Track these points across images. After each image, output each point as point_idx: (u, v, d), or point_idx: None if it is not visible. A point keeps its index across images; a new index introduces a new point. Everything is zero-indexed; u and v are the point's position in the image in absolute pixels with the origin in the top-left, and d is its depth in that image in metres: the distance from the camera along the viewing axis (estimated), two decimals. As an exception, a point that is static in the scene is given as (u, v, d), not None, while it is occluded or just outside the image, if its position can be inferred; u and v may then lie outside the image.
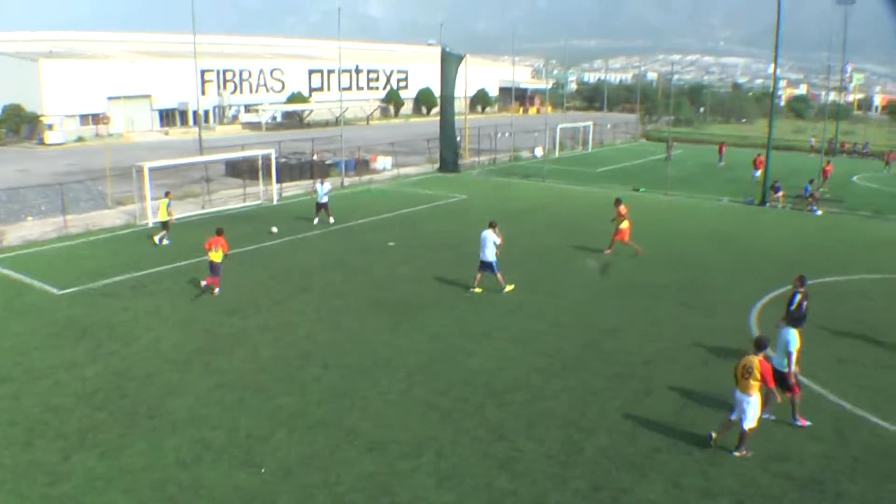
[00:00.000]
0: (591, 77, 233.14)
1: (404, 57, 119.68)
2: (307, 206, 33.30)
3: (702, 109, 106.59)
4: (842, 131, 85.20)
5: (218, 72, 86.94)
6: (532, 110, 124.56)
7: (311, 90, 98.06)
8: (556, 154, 59.76)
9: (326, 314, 18.94)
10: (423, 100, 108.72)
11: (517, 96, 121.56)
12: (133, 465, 11.69)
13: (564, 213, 34.56)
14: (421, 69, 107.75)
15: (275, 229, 28.14)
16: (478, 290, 21.08)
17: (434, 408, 13.73)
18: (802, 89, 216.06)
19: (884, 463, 12.29)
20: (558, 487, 11.25)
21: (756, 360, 12.30)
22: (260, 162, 36.42)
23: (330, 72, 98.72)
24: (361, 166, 45.96)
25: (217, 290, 20.64)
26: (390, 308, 19.52)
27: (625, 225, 26.05)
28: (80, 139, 69.37)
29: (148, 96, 78.98)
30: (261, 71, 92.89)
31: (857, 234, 32.62)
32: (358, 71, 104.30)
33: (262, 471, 11.50)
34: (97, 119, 70.70)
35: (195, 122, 69.29)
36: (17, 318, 18.47)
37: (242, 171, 38.97)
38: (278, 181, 36.76)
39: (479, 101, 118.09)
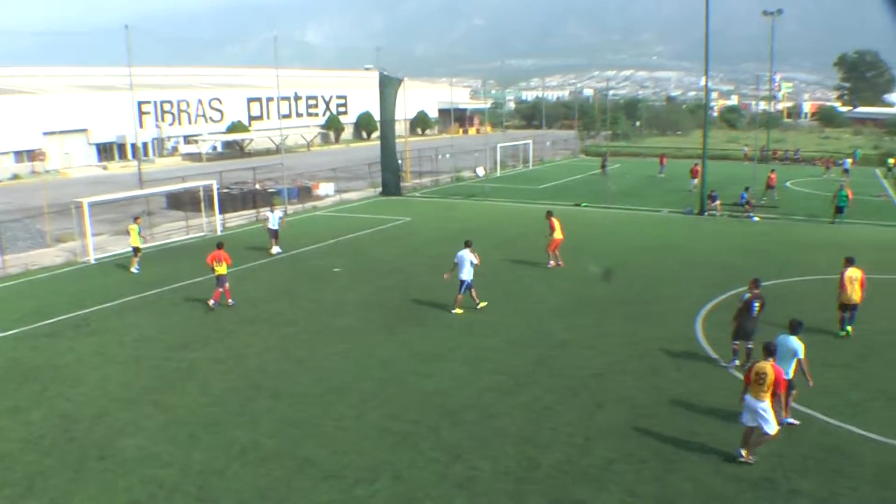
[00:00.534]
0: (528, 95, 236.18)
1: (343, 82, 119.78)
2: (252, 236, 33.09)
3: (638, 123, 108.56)
4: (773, 139, 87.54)
5: (156, 103, 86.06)
6: (472, 130, 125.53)
7: (251, 119, 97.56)
8: (498, 173, 60.30)
9: (275, 343, 18.80)
10: (364, 124, 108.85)
11: (457, 117, 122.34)
12: (84, 508, 11.45)
13: (509, 230, 34.85)
14: (360, 94, 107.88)
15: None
16: (459, 311, 21.19)
17: (389, 432, 13.70)
18: (734, 100, 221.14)
19: (833, 459, 12.62)
20: (517, 504, 11.30)
21: (769, 367, 12.32)
22: (201, 193, 36.07)
23: (269, 100, 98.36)
24: (304, 193, 45.80)
25: (230, 301, 22.05)
26: (339, 334, 19.44)
27: (558, 235, 26.52)
28: (15, 177, 67.80)
29: (84, 130, 77.68)
30: (199, 101, 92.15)
31: (792, 238, 33.54)
32: (297, 98, 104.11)
33: None
34: (32, 155, 69.42)
35: (134, 156, 68.33)
36: (-44, 364, 17.98)
37: (184, 203, 38.55)
38: (221, 212, 36.42)
39: (420, 123, 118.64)
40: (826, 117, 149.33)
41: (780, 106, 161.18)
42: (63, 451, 13.26)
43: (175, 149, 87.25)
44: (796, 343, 13.58)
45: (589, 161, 71.78)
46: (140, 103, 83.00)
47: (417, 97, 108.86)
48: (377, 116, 53.75)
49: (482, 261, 25.90)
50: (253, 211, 40.33)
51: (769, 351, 12.65)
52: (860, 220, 37.92)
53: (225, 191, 41.11)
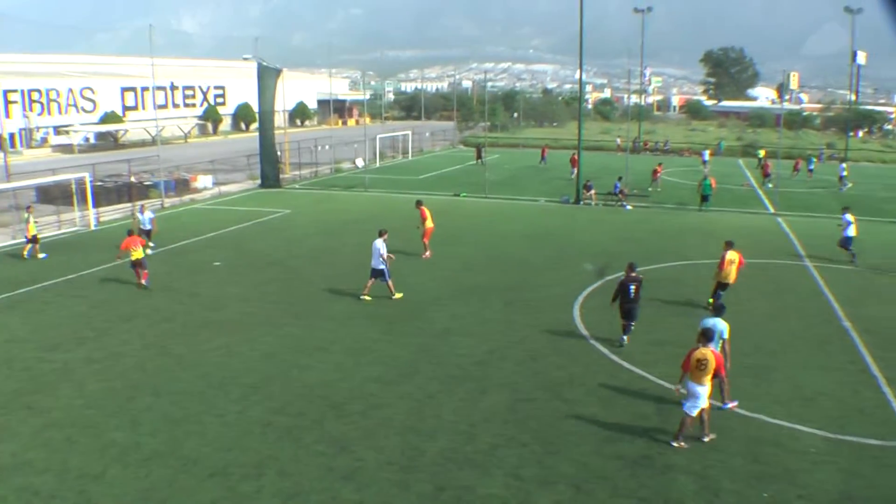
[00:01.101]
0: (408, 87, 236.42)
1: (221, 73, 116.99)
2: (127, 230, 32.08)
3: (516, 115, 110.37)
4: (644, 131, 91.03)
5: (23, 92, 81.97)
6: (351, 122, 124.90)
7: (126, 109, 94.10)
8: (378, 164, 60.35)
9: (154, 340, 18.34)
10: (242, 115, 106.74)
11: (336, 108, 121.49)
12: (-48, 519, 10.97)
13: (389, 221, 34.78)
14: (238, 84, 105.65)
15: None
16: (367, 297, 21.41)
17: (272, 426, 13.63)
18: (607, 93, 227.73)
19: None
20: (403, 492, 11.45)
21: (709, 353, 12.76)
22: (74, 186, 34.65)
23: (144, 90, 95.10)
24: (182, 186, 44.58)
25: (145, 282, 22.96)
26: (220, 329, 19.14)
27: (429, 224, 26.91)
28: None
29: (-58, 119, 73.34)
30: (70, 90, 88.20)
31: (664, 226, 35.02)
32: (174, 88, 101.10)
33: None
34: None
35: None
36: None
37: (55, 196, 36.84)
38: (95, 206, 35.09)
39: (299, 114, 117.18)
40: (693, 110, 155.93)
41: (651, 99, 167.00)
42: (-73, 459, 12.62)
43: (45, 140, 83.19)
44: (722, 324, 14.32)
45: (468, 152, 72.62)
46: (6, 92, 78.96)
47: (296, 88, 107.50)
48: (256, 107, 52.82)
49: (361, 250, 26.01)
50: (128, 204, 38.97)
51: (707, 337, 13.23)
52: (726, 208, 40.00)
53: (99, 184, 39.61)
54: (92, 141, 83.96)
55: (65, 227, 33.52)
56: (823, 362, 16.95)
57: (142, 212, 29.19)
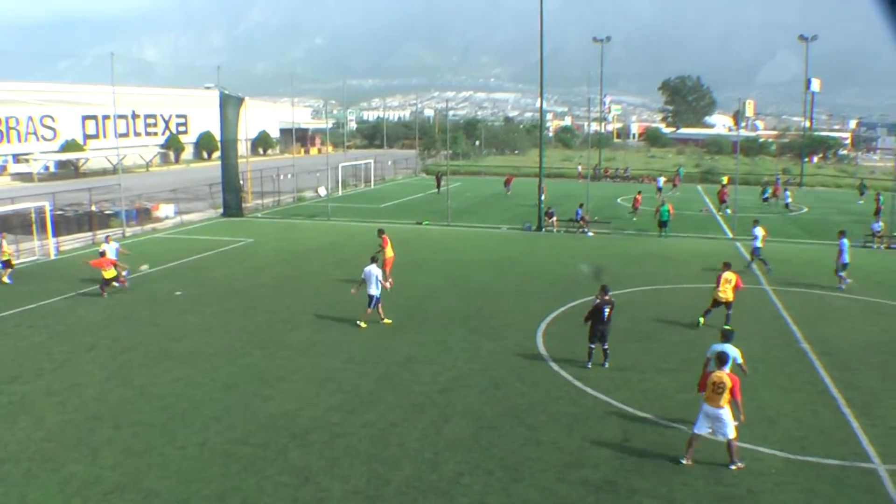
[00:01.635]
0: (370, 116, 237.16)
1: (183, 101, 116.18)
2: (89, 259, 31.66)
3: (477, 143, 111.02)
4: (605, 158, 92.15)
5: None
6: (314, 150, 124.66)
7: (87, 137, 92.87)
8: (340, 192, 60.34)
9: (115, 371, 18.09)
10: (205, 144, 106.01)
11: (298, 137, 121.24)
12: None
13: (351, 249, 34.92)
14: (200, 113, 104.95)
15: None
16: (363, 325, 21.68)
17: (235, 457, 13.49)
18: (568, 121, 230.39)
19: (668, 458, 13.45)
20: (367, 522, 11.42)
21: (725, 376, 13.06)
22: (33, 215, 34.19)
23: (105, 118, 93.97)
24: (143, 215, 44.17)
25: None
26: (181, 359, 18.93)
27: (389, 254, 26.95)
28: None
29: None
30: (30, 118, 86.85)
31: (624, 251, 35.41)
32: (135, 116, 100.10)
33: None
34: None
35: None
36: None
37: (14, 225, 36.31)
38: (55, 235, 34.63)
39: (261, 143, 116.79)
40: (652, 138, 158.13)
41: (611, 127, 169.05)
42: None
43: (3, 168, 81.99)
44: (733, 350, 14.60)
45: (430, 180, 72.94)
46: (-36, 120, 77.84)
47: (259, 117, 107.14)
48: (218, 136, 52.61)
49: (324, 279, 26.02)
50: (90, 234, 38.53)
51: (722, 360, 13.51)
52: (685, 234, 40.59)
53: (59, 212, 39.10)
54: (52, 169, 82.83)
55: (24, 256, 32.97)
56: (784, 384, 17.22)
57: (108, 242, 28.89)
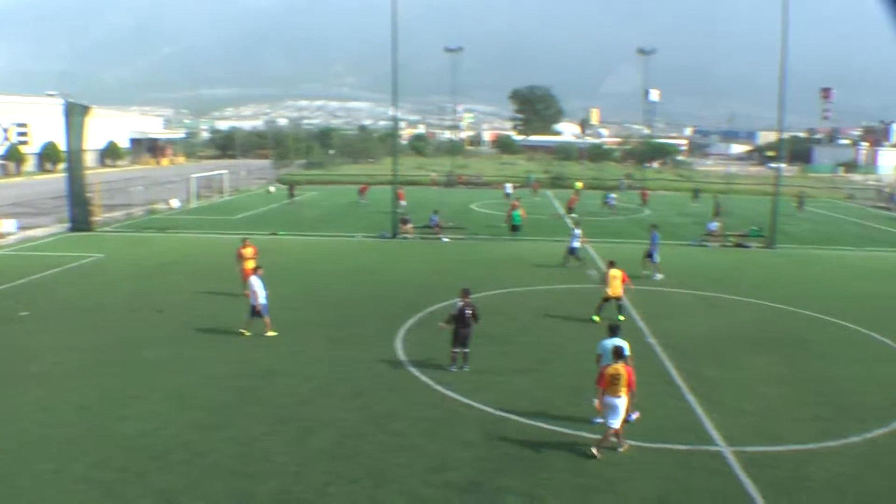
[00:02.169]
0: (223, 125, 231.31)
1: (23, 109, 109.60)
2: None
3: (332, 152, 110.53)
4: (458, 165, 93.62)
5: None
6: (165, 161, 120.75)
7: None
8: (194, 204, 58.71)
9: (-49, 400, 16.95)
10: (49, 155, 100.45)
11: (149, 148, 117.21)
12: None
13: (207, 262, 34.08)
14: (43, 122, 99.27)
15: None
16: (272, 332, 21.53)
17: (94, 483, 12.81)
18: (422, 129, 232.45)
19: (529, 455, 13.81)
20: (230, 538, 11.20)
21: (622, 367, 13.84)
22: None
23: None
24: (-21, 232, 41.48)
25: None
26: (32, 382, 17.81)
27: (250, 265, 26.57)
28: None
29: None
30: None
31: (479, 256, 36.20)
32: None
33: None
34: None
35: None
36: None
37: None
38: None
39: (110, 154, 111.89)
40: (503, 145, 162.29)
41: (463, 135, 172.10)
42: None
43: None
44: (622, 343, 15.17)
45: (284, 190, 72.10)
46: None
47: (107, 126, 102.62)
48: (63, 146, 50.09)
49: (179, 293, 25.37)
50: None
51: (619, 354, 14.21)
52: (536, 237, 41.91)
53: None
54: None
55: None
56: (636, 378, 18.02)
57: None
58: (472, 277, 30.15)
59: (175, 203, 56.09)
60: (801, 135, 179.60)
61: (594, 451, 13.76)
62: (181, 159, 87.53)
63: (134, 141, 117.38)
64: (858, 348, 21.75)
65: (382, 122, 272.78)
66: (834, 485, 12.87)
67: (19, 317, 24.25)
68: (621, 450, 13.99)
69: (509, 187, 66.47)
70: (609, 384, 13.80)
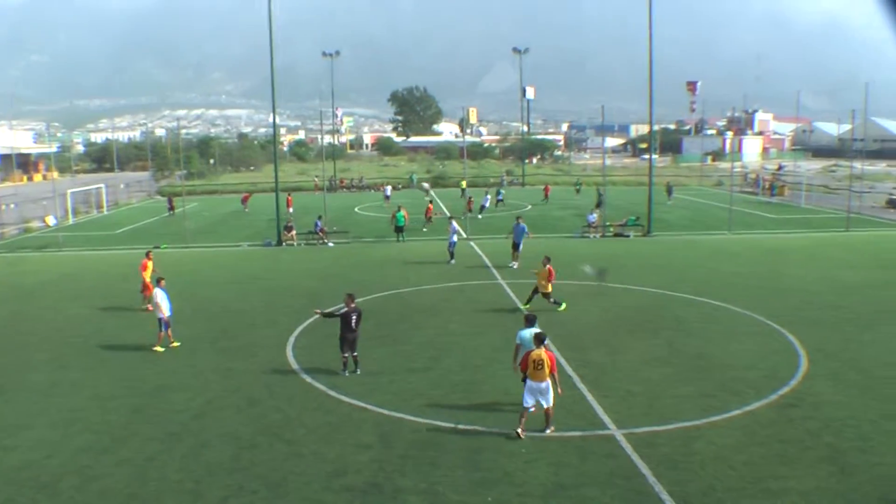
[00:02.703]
0: (98, 137, 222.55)
1: None
2: None
3: (212, 161, 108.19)
4: (340, 169, 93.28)
5: None
6: (38, 177, 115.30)
7: None
8: (71, 220, 56.46)
9: None
10: None
11: (20, 163, 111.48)
12: None
13: (88, 279, 32.86)
14: None
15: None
16: (175, 343, 21.24)
17: (-27, 519, 12.26)
18: (302, 135, 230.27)
19: (426, 453, 13.89)
20: (128, 561, 10.88)
21: (544, 353, 14.46)
22: None
23: None
24: None
25: None
26: None
27: (149, 278, 25.98)
28: None
29: None
30: None
31: (365, 259, 36.30)
32: None
33: None
34: None
35: None
36: None
37: None
38: None
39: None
40: (384, 147, 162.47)
41: (344, 138, 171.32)
42: None
43: None
44: (539, 331, 15.51)
45: (165, 202, 70.17)
46: None
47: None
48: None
49: (60, 315, 24.44)
50: None
51: (540, 340, 14.79)
52: (422, 237, 42.31)
53: None
54: None
55: None
56: (524, 370, 18.46)
57: None
58: (359, 281, 30.23)
59: (51, 220, 53.73)
60: (671, 127, 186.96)
61: (519, 431, 14.49)
62: (55, 174, 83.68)
63: (3, 157, 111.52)
64: (730, 325, 22.92)
65: (262, 129, 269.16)
66: (720, 457, 13.50)
67: None
68: (548, 431, 14.62)
69: (389, 189, 66.61)
70: (533, 369, 14.40)
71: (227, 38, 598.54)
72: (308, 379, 18.32)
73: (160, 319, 21.26)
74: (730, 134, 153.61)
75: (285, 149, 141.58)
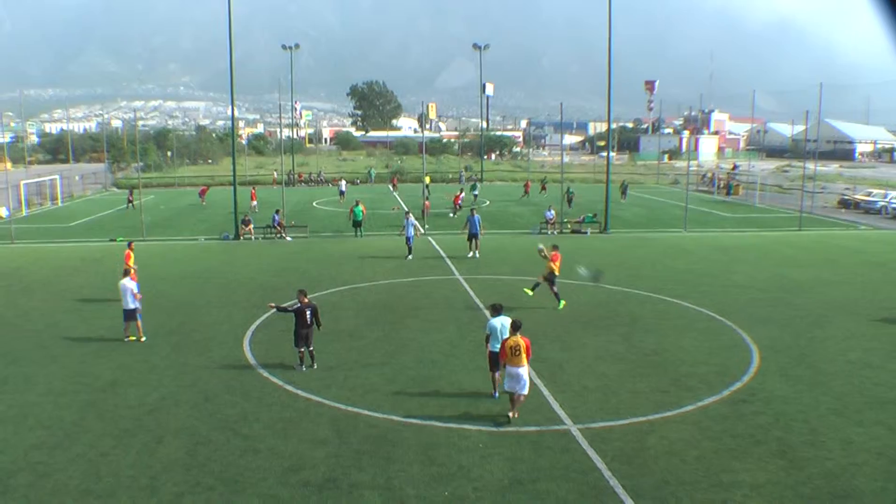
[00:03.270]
0: (52, 128, 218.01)
1: None
2: None
3: (169, 153, 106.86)
4: (298, 163, 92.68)
5: None
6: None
7: None
8: (25, 213, 55.40)
9: None
10: None
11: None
12: None
13: (42, 273, 32.24)
14: None
15: None
16: (132, 338, 21.10)
17: (-79, 517, 12.03)
18: (260, 128, 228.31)
19: (383, 448, 13.92)
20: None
21: (520, 339, 14.98)
22: None
23: None
24: None
25: None
26: None
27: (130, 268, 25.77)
28: None
29: None
30: None
31: (323, 254, 36.19)
32: None
33: None
34: None
35: None
36: None
37: None
38: None
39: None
40: (343, 141, 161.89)
41: (303, 132, 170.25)
42: None
43: None
44: (507, 320, 16.01)
45: (122, 194, 69.13)
46: None
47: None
48: None
49: (11, 309, 24.06)
50: None
51: (516, 327, 15.31)
52: (380, 233, 42.35)
53: None
54: None
55: None
56: (481, 364, 18.44)
57: None
58: (316, 275, 30.18)
59: (3, 212, 52.66)
60: (629, 125, 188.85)
61: (511, 415, 15.11)
62: (8, 165, 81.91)
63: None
64: (684, 321, 23.28)
65: (220, 122, 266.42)
66: (673, 451, 13.72)
67: None
68: (512, 414, 15.07)
69: (343, 185, 66.34)
70: (511, 356, 14.82)
71: (179, 30, 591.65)
72: (265, 374, 18.24)
73: (125, 310, 21.08)
74: (686, 133, 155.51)
75: (244, 142, 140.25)
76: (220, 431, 14.86)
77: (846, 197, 61.02)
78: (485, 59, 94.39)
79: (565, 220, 45.27)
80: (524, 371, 14.93)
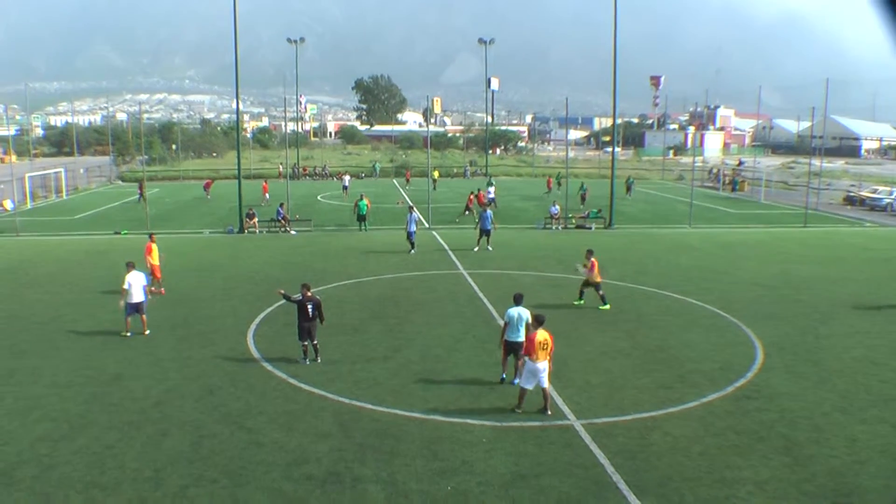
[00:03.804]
0: (57, 121, 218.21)
1: None
2: None
3: (174, 147, 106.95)
4: (303, 157, 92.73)
5: None
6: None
7: None
8: (30, 205, 55.52)
9: None
10: None
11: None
12: None
13: (47, 266, 32.31)
14: None
15: None
16: (126, 334, 20.98)
17: (-72, 508, 12.06)
18: (265, 121, 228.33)
19: (386, 442, 13.92)
20: (86, 550, 10.76)
21: (548, 334, 15.06)
22: None
23: None
24: None
25: None
26: None
27: (154, 261, 25.80)
28: None
29: None
30: None
31: (327, 247, 36.25)
32: None
33: None
34: None
35: None
36: None
37: None
38: None
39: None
40: (348, 135, 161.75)
41: (308, 126, 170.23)
42: None
43: None
44: (526, 311, 16.30)
45: (126, 187, 69.21)
46: None
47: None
48: None
49: (17, 302, 24.12)
50: None
51: (540, 321, 15.28)
52: (385, 227, 42.28)
53: None
54: None
55: None
56: (485, 359, 18.52)
57: None
58: (320, 269, 30.21)
59: (9, 205, 52.77)
60: (634, 120, 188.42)
61: (518, 409, 15.25)
62: (13, 158, 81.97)
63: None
64: (689, 317, 23.23)
65: (225, 116, 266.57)
66: (676, 447, 13.71)
67: None
68: (519, 411, 15.13)
69: (347, 179, 66.31)
70: (539, 350, 14.84)
71: (184, 24, 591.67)
72: (268, 367, 18.26)
73: (128, 304, 21.01)
74: (692, 129, 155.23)
75: (248, 135, 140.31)
76: (224, 424, 14.88)
77: (852, 194, 60.91)
78: (490, 53, 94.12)
79: (570, 215, 45.21)
80: (543, 367, 14.99)
